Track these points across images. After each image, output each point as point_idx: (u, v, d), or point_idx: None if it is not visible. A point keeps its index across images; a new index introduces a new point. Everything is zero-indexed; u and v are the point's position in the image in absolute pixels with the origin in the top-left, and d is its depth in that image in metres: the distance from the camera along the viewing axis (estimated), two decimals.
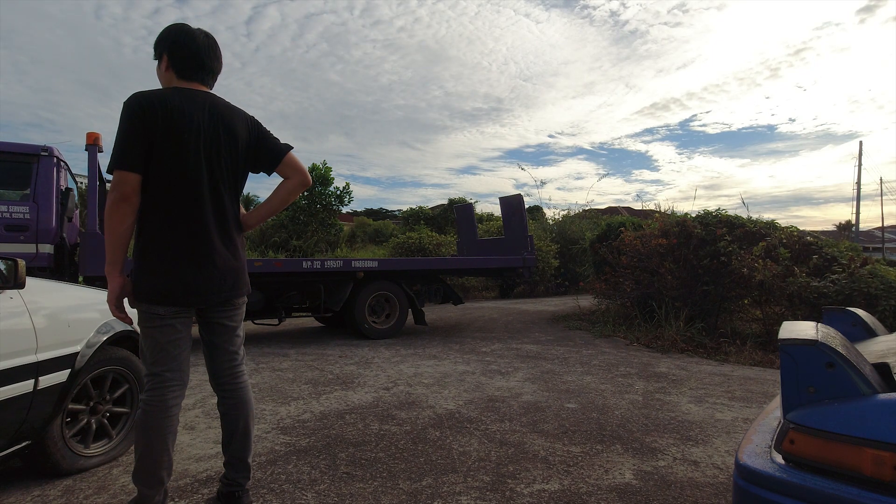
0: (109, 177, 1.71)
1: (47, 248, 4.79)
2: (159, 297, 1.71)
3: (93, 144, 4.91)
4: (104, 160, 5.31)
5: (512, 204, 7.92)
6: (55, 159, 4.97)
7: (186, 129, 1.71)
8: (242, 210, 1.98)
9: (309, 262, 5.74)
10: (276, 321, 5.92)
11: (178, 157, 1.71)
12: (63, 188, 5.08)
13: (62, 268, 4.99)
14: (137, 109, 1.66)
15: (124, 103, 1.69)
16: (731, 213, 6.99)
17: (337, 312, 6.07)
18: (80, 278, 4.92)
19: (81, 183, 7.01)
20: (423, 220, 20.89)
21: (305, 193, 16.19)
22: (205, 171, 1.76)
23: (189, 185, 1.73)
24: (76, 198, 5.50)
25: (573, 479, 2.29)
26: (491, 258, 7.48)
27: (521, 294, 12.65)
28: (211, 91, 1.88)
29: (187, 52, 1.80)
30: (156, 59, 1.86)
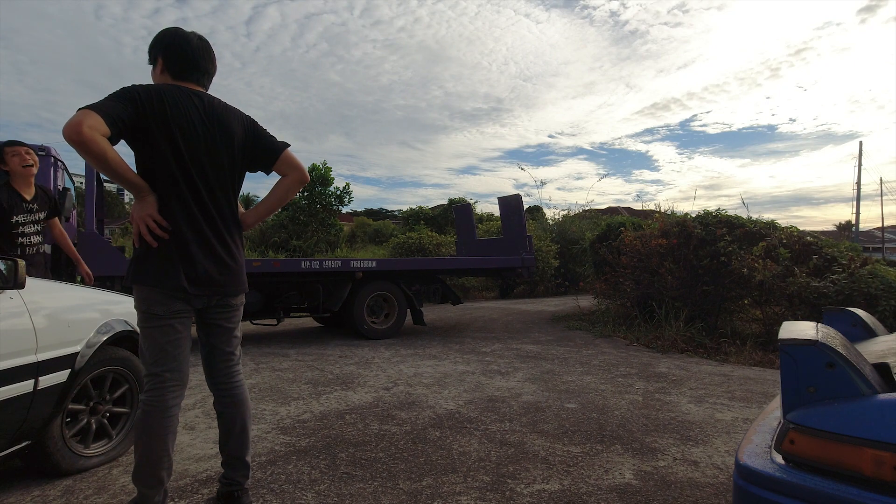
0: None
1: (45, 249, 4.78)
2: (153, 280, 1.70)
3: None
4: None
5: (511, 204, 7.92)
6: (52, 159, 4.93)
7: (181, 124, 1.71)
8: (241, 209, 1.99)
9: (307, 262, 5.73)
10: (274, 321, 5.91)
11: (172, 152, 1.70)
12: (60, 188, 5.03)
13: (59, 268, 4.96)
14: (133, 90, 1.65)
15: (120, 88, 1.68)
16: (731, 213, 7.00)
17: (336, 313, 6.06)
18: (78, 278, 4.90)
19: (80, 183, 6.97)
20: (423, 220, 20.89)
21: (305, 193, 16.19)
22: (200, 169, 1.76)
23: (184, 181, 1.73)
24: (74, 198, 5.48)
25: (573, 479, 2.29)
26: (489, 258, 7.48)
27: (521, 294, 12.65)
28: (206, 91, 1.88)
29: (182, 53, 1.81)
30: (150, 64, 1.87)
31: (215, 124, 1.79)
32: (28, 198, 3.22)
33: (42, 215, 3.32)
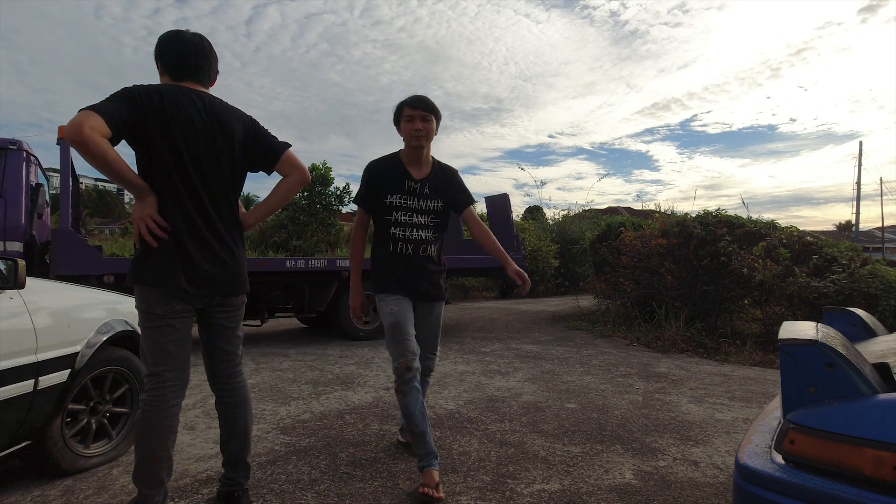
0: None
1: (16, 246, 4.54)
2: (153, 280, 1.70)
3: (64, 138, 4.69)
4: (49, 150, 5.08)
5: (497, 203, 7.90)
6: (24, 153, 4.68)
7: (181, 124, 1.71)
8: (242, 209, 1.99)
9: (293, 262, 5.65)
10: (258, 322, 5.76)
11: (171, 153, 1.71)
12: (33, 184, 4.78)
13: (31, 267, 4.72)
14: (134, 91, 1.66)
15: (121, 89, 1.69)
16: (731, 213, 6.99)
17: (321, 313, 5.96)
18: (52, 277, 4.76)
19: (54, 186, 6.55)
20: None
21: (305, 193, 16.19)
22: (200, 169, 1.76)
23: (183, 181, 1.74)
24: (47, 194, 5.13)
25: (573, 479, 2.29)
26: (477, 258, 7.42)
27: (521, 294, 12.62)
28: (207, 91, 1.88)
29: (173, 52, 1.82)
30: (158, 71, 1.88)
31: (216, 124, 1.79)
32: (417, 177, 2.33)
33: (438, 205, 2.35)
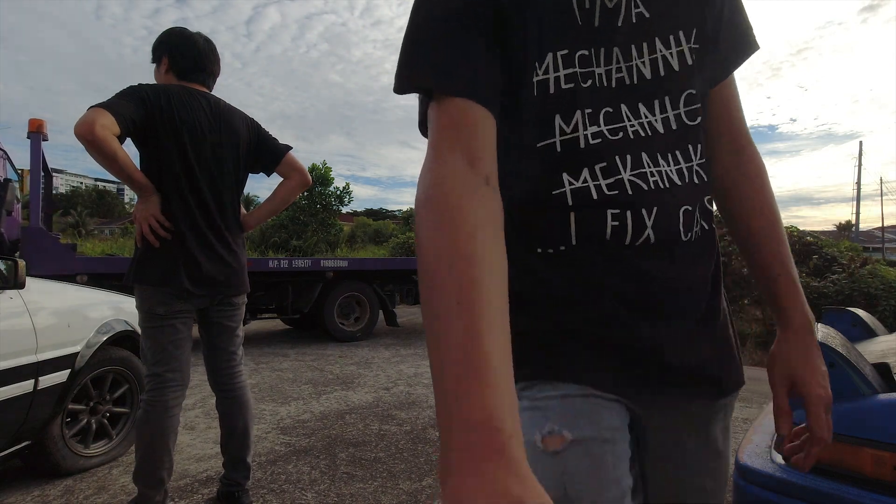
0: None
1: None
2: (156, 280, 1.70)
3: (36, 132, 4.52)
4: (49, 149, 4.72)
5: None
6: None
7: (189, 124, 1.71)
8: (243, 210, 1.99)
9: (276, 262, 5.61)
10: None
11: (178, 152, 1.71)
12: (2, 179, 4.53)
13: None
14: (142, 90, 1.67)
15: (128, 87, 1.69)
16: None
17: (305, 314, 5.91)
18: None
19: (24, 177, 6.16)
20: None
21: (305, 193, 16.25)
22: (206, 169, 1.76)
23: (188, 181, 1.74)
24: (16, 190, 4.89)
25: None
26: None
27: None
28: (211, 92, 1.88)
29: (189, 54, 1.81)
30: (153, 63, 1.87)
31: (222, 125, 1.80)
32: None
33: (686, 55, 0.60)
